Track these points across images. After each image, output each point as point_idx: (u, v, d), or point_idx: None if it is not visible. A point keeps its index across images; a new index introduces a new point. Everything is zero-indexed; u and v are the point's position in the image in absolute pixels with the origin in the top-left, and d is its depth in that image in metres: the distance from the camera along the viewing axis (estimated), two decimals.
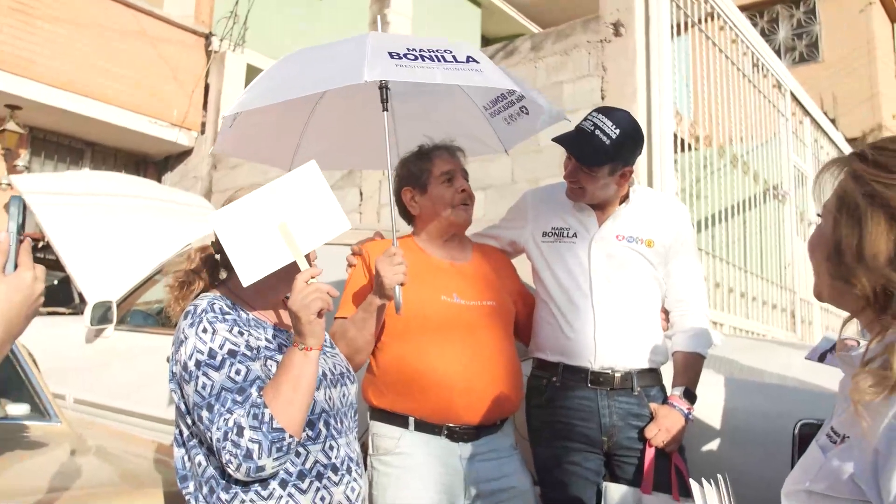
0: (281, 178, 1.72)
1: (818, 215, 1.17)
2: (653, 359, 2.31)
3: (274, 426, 1.57)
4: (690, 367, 2.29)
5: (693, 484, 1.24)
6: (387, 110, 2.28)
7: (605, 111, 2.27)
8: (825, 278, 1.14)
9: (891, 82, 13.88)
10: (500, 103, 2.64)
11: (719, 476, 1.25)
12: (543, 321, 2.38)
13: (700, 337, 2.32)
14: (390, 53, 2.14)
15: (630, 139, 2.24)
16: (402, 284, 2.05)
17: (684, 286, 2.37)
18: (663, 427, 2.19)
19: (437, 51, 2.22)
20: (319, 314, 1.62)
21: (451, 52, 2.24)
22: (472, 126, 2.72)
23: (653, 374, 2.33)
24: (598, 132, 2.21)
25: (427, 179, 2.31)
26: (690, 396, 2.25)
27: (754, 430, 2.40)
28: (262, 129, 2.55)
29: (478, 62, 2.25)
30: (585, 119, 2.28)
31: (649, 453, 2.19)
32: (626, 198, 2.36)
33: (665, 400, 2.28)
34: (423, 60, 2.16)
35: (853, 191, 1.08)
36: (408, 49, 2.18)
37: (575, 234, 2.35)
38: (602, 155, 2.21)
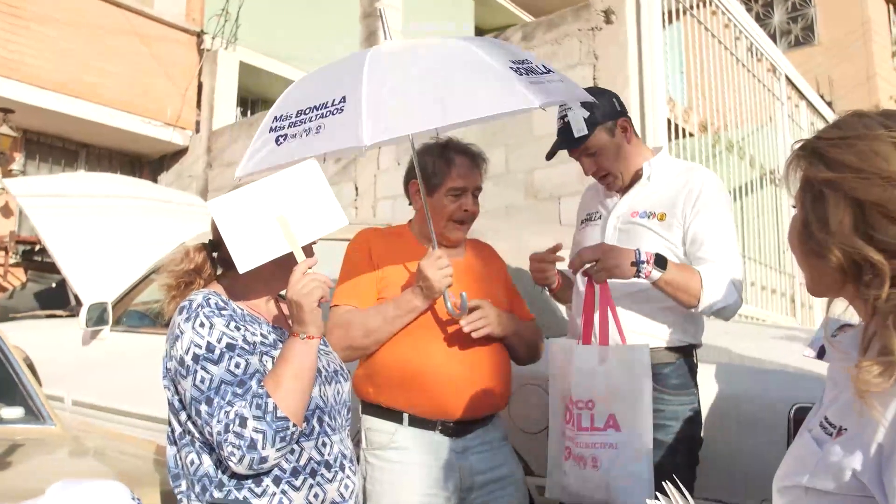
0: (281, 172, 1.74)
1: (793, 206, 1.16)
2: (670, 336, 2.16)
3: (278, 415, 1.57)
4: (682, 266, 2.10)
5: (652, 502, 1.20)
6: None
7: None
8: (804, 261, 1.12)
9: (887, 64, 13.84)
10: (525, 65, 2.43)
11: (667, 485, 1.20)
12: (569, 306, 2.41)
13: (709, 279, 2.09)
14: (512, 68, 1.97)
15: (595, 95, 2.21)
16: (449, 287, 2.08)
17: (703, 247, 2.15)
18: (593, 248, 2.08)
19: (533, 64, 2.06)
20: (318, 303, 1.63)
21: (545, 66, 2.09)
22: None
23: (666, 353, 2.16)
24: (569, 113, 2.23)
25: (437, 185, 2.25)
26: (660, 260, 2.03)
27: (749, 414, 2.40)
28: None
29: (554, 72, 2.10)
30: (559, 119, 2.29)
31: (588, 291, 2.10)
32: (640, 175, 2.28)
33: (685, 382, 2.15)
34: (536, 75, 2.00)
35: (810, 168, 1.08)
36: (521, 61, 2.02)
37: (599, 216, 2.35)
38: (588, 124, 2.21)
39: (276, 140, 2.04)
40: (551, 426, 2.22)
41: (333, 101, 1.96)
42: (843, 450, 1.01)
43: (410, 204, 2.37)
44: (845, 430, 1.03)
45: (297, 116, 2.02)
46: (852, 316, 1.19)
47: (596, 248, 2.11)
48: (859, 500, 0.98)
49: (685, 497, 1.18)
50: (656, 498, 1.19)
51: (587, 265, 2.09)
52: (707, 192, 2.20)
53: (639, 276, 2.04)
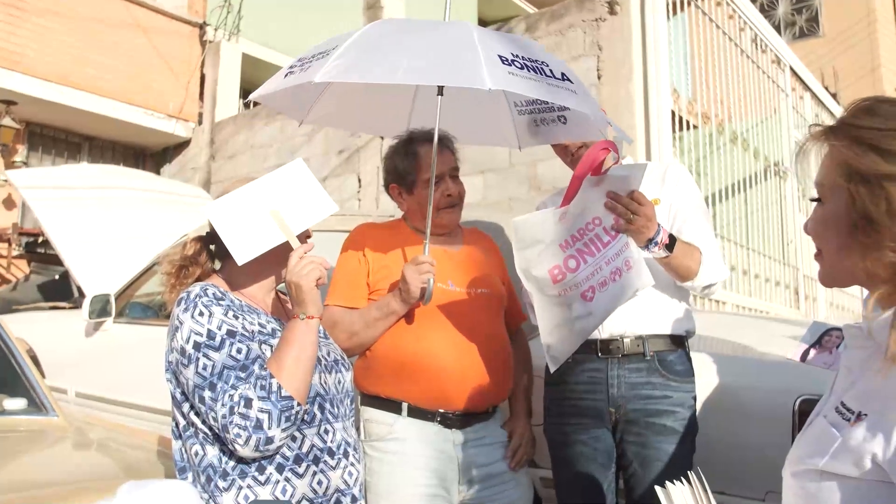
0: (270, 173, 1.81)
1: (812, 199, 1.10)
2: (670, 324, 2.20)
3: (283, 394, 1.59)
4: (687, 247, 2.09)
5: (658, 490, 1.19)
6: (441, 94, 2.22)
7: None
8: (837, 253, 1.07)
9: (892, 55, 13.76)
10: (537, 105, 2.49)
11: (691, 474, 1.20)
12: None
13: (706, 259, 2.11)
14: (501, 58, 2.05)
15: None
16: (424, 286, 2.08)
17: (687, 223, 2.19)
18: (647, 207, 1.91)
19: (536, 61, 2.14)
20: (317, 284, 1.68)
21: (547, 66, 2.15)
22: (493, 116, 2.63)
23: (670, 339, 2.19)
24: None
25: (413, 181, 2.27)
26: (671, 244, 2.00)
27: (754, 405, 2.39)
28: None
29: (571, 81, 2.19)
30: None
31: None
32: None
33: (688, 370, 2.17)
34: (529, 71, 2.08)
35: (858, 158, 1.02)
36: (512, 55, 2.09)
37: None
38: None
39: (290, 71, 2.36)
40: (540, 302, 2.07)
41: (326, 50, 2.22)
42: (863, 435, 1.00)
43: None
44: (865, 415, 1.02)
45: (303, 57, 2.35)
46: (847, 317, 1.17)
47: (646, 207, 1.92)
48: (877, 486, 0.98)
49: (704, 488, 1.18)
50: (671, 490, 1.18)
51: (619, 207, 1.90)
52: (692, 190, 2.30)
53: (646, 250, 1.98)
